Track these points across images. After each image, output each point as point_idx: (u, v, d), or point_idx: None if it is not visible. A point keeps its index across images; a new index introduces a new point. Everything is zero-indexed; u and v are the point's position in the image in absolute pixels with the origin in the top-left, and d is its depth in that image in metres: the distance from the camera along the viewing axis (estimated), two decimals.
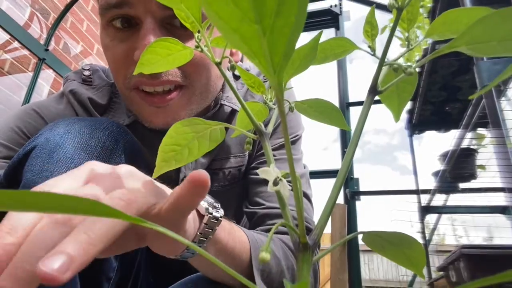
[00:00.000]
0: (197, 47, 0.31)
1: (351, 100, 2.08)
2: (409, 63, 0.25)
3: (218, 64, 0.29)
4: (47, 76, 2.45)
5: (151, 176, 0.65)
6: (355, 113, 2.11)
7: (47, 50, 2.23)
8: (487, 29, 0.24)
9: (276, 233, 0.64)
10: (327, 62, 0.33)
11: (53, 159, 0.52)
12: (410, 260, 0.32)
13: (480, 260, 1.05)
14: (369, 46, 0.30)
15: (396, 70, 0.30)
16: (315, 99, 0.35)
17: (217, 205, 0.44)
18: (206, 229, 0.41)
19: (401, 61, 0.31)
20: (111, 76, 0.73)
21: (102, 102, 0.72)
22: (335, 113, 0.38)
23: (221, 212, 0.43)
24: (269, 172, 0.23)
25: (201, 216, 0.41)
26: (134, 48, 0.59)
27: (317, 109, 0.36)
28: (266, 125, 0.73)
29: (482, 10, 0.29)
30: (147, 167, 0.65)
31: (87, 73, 0.76)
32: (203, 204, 0.42)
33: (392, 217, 2.02)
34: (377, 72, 0.25)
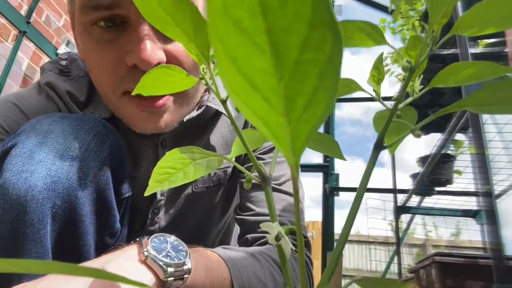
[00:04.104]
0: (201, 78, 0.30)
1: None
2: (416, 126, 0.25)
3: (224, 102, 0.28)
4: (26, 48, 2.36)
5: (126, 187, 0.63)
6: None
7: (28, 22, 2.14)
8: (494, 94, 0.25)
9: (262, 243, 0.64)
10: None
11: (33, 160, 0.50)
12: None
13: (450, 267, 1.11)
14: (374, 90, 0.31)
15: (399, 117, 0.31)
16: None
17: (181, 257, 0.43)
18: None
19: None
20: None
21: (81, 96, 0.68)
22: (332, 144, 0.38)
23: (187, 265, 0.42)
24: (271, 227, 0.24)
25: (161, 282, 0.41)
26: (125, 51, 0.55)
27: (315, 141, 0.37)
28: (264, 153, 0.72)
29: (483, 64, 0.29)
30: (127, 172, 0.63)
31: (64, 63, 0.70)
32: (160, 267, 0.41)
33: (368, 214, 2.07)
34: (384, 129, 0.25)
